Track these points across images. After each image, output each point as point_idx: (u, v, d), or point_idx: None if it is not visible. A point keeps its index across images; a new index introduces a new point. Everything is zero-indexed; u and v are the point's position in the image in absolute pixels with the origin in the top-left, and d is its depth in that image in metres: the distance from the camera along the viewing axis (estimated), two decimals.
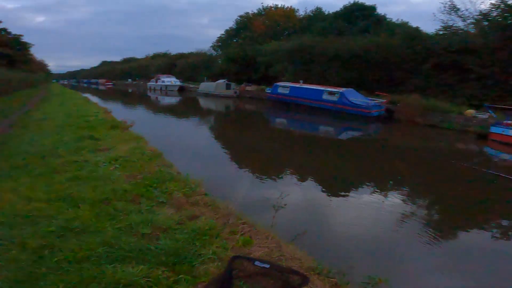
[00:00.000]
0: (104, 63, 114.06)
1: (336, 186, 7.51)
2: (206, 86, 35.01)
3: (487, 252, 4.85)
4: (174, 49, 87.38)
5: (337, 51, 24.65)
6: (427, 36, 23.22)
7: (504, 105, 14.80)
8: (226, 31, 50.63)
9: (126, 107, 26.11)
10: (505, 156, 12.01)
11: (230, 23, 51.51)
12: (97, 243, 2.80)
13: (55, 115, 11.64)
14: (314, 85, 22.27)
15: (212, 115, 22.40)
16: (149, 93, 42.87)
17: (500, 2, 19.51)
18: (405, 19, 33.90)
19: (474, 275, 4.24)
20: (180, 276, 2.43)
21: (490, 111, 15.20)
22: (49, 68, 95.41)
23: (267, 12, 44.24)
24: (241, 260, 2.52)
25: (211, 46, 54.76)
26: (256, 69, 35.53)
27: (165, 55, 70.72)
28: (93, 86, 77.44)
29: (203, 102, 29.79)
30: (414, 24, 33.34)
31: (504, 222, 6.19)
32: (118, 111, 17.46)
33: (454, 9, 23.27)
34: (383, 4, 64.34)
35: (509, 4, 19.07)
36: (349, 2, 32.15)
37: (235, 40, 45.44)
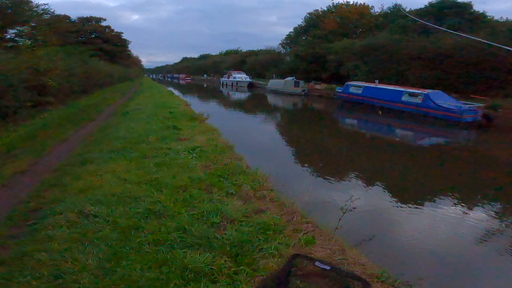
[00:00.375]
0: (184, 59, 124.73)
1: (411, 195, 6.85)
2: (274, 83, 35.37)
3: None
4: (244, 46, 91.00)
5: (422, 49, 22.45)
6: None
7: None
8: (295, 28, 50.07)
9: (202, 100, 28.13)
10: None
11: (299, 21, 50.81)
12: (173, 228, 3.05)
13: (145, 106, 13.21)
14: (392, 85, 20.53)
15: (279, 112, 22.57)
16: (221, 88, 45.39)
17: None
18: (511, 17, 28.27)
19: None
20: (241, 267, 2.50)
21: None
22: (142, 63, 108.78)
23: (338, 9, 42.27)
24: (302, 258, 2.51)
25: (280, 44, 54.99)
26: (326, 67, 34.39)
27: (236, 52, 73.89)
28: (175, 80, 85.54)
29: (271, 99, 30.22)
30: None
31: None
32: (195, 104, 18.94)
33: None
34: (482, 2, 54.64)
35: None
36: None
37: (304, 38, 44.65)
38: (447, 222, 5.60)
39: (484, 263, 4.40)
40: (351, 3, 41.81)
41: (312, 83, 32.18)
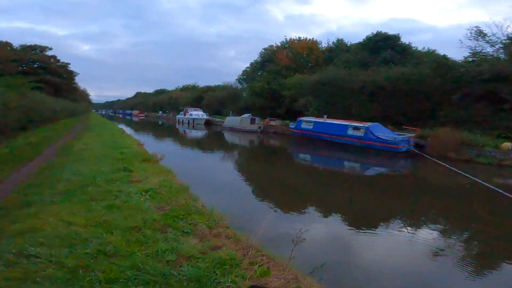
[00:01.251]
0: (138, 94, 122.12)
1: (361, 222, 7.45)
2: (231, 120, 36.32)
3: None
4: (202, 81, 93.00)
5: (362, 83, 24.64)
6: (456, 64, 22.76)
7: None
8: (251, 64, 52.89)
9: (157, 139, 27.61)
10: None
11: (256, 55, 53.83)
12: (126, 266, 3.09)
13: (94, 146, 12.68)
14: (339, 119, 22.46)
15: (236, 150, 23.06)
16: (177, 126, 45.10)
17: None
18: (433, 47, 33.14)
19: None
20: None
21: None
22: (90, 97, 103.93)
23: (290, 45, 45.10)
24: None
25: (237, 79, 57.29)
26: (281, 103, 36.30)
27: (193, 88, 74.92)
28: (128, 117, 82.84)
29: (228, 137, 30.81)
30: (442, 52, 32.55)
31: None
32: (150, 143, 18.58)
33: (481, 34, 22.83)
34: (409, 33, 64.92)
35: None
36: (372, 32, 32.37)
37: (259, 73, 46.99)
38: (396, 243, 6.25)
39: (434, 279, 4.92)
40: (302, 38, 45.19)
41: (267, 119, 33.67)
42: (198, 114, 45.13)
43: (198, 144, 25.25)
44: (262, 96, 38.64)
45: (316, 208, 8.39)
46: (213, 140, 29.20)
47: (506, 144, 16.03)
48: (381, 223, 7.40)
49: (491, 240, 6.67)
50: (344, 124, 20.94)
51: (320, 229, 6.97)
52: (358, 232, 6.85)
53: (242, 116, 34.75)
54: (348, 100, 26.10)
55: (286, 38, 47.69)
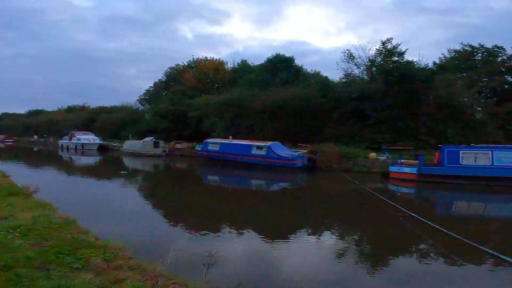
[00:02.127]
0: (4, 115, 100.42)
1: (272, 235, 7.89)
2: (131, 144, 33.58)
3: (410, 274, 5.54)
4: (95, 101, 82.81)
5: (263, 104, 26.58)
6: (334, 85, 27.13)
7: (396, 146, 18.67)
8: (155, 83, 50.58)
9: (32, 169, 23.07)
10: (403, 190, 15.03)
11: (160, 75, 51.83)
12: None
13: None
14: (243, 140, 23.56)
15: (139, 176, 21.32)
16: (60, 152, 38.87)
17: (382, 48, 24.42)
18: (319, 69, 38.55)
19: None
20: None
21: (386, 153, 18.51)
22: None
23: (197, 64, 45.01)
24: None
25: (138, 100, 53.74)
26: (187, 124, 35.69)
27: (83, 108, 66.26)
28: None
29: (128, 162, 28.25)
30: (326, 73, 37.71)
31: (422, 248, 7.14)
32: (20, 174, 15.41)
33: (351, 57, 28.09)
34: (302, 55, 75.01)
35: (388, 49, 24.07)
36: (272, 54, 35.45)
37: (164, 94, 45.23)
38: (306, 250, 6.81)
39: (343, 278, 5.43)
40: (209, 58, 45.62)
41: (173, 142, 32.53)
42: (88, 138, 40.00)
43: (90, 172, 22.25)
44: (166, 117, 37.26)
45: (228, 227, 8.45)
46: (110, 167, 26.27)
47: (372, 154, 19.92)
48: (290, 234, 7.99)
49: (376, 239, 7.95)
50: (248, 144, 22.09)
51: (234, 247, 7.04)
52: (271, 245, 7.20)
53: (144, 139, 32.60)
54: (251, 120, 27.76)
55: (193, 58, 47.51)
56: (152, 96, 50.06)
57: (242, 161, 21.71)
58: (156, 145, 31.31)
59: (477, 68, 26.53)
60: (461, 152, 15.43)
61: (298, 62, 36.12)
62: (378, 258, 6.55)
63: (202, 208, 11.00)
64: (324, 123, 25.12)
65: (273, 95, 26.91)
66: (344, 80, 28.09)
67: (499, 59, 26.33)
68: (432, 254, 6.82)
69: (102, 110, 56.28)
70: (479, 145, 16.40)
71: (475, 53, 27.54)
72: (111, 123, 47.56)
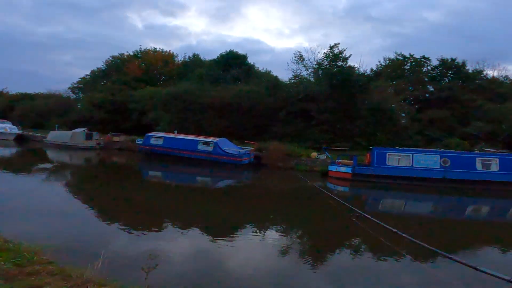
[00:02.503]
0: None
1: (218, 233, 7.74)
2: (57, 135, 29.99)
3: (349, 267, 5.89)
4: (16, 88, 72.22)
5: (212, 99, 26.34)
6: (283, 85, 28.11)
7: (336, 147, 20.17)
8: (93, 72, 46.47)
9: None
10: (340, 188, 16.14)
11: (100, 63, 47.68)
12: None
13: None
14: (189, 135, 22.89)
15: (67, 170, 19.15)
16: None
17: (330, 52, 26.06)
18: (271, 68, 39.46)
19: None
20: None
21: (326, 153, 19.82)
22: None
23: (144, 55, 43.00)
24: None
25: (69, 88, 48.78)
26: (128, 117, 33.44)
27: (0, 94, 57.45)
28: None
29: (53, 155, 25.19)
30: (277, 73, 38.82)
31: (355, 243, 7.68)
32: None
33: (301, 59, 29.49)
34: (255, 53, 75.78)
35: (335, 54, 25.75)
36: (226, 50, 35.46)
37: (102, 83, 41.78)
38: (252, 247, 6.81)
39: (289, 273, 5.47)
40: (158, 49, 43.65)
41: (109, 134, 30.05)
42: (4, 127, 34.74)
43: (5, 165, 19.30)
44: (104, 108, 34.27)
45: (171, 226, 8.06)
46: (30, 160, 23.14)
47: (314, 154, 21.08)
48: (235, 231, 7.91)
49: (316, 234, 8.34)
50: (194, 140, 21.57)
51: (177, 246, 6.72)
52: (216, 243, 7.02)
53: (74, 130, 29.45)
54: (199, 115, 27.18)
55: (140, 48, 44.77)
56: (88, 84, 45.60)
57: (187, 157, 21.03)
58: (88, 137, 28.53)
59: (405, 77, 29.72)
60: (387, 154, 17.03)
61: (250, 60, 36.75)
62: (321, 254, 6.84)
63: (140, 206, 10.28)
64: (271, 122, 25.70)
65: (223, 91, 26.75)
66: (292, 80, 29.17)
67: (424, 69, 29.88)
68: (373, 249, 7.37)
69: (24, 96, 49.47)
70: (402, 148, 18.37)
71: (405, 63, 30.83)
72: (34, 112, 42.14)
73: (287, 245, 7.21)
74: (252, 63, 36.51)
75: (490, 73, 30.83)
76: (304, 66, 29.63)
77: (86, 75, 47.97)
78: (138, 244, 6.48)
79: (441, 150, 17.98)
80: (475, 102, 26.15)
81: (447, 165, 16.06)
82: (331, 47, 26.16)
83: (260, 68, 38.34)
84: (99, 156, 25.24)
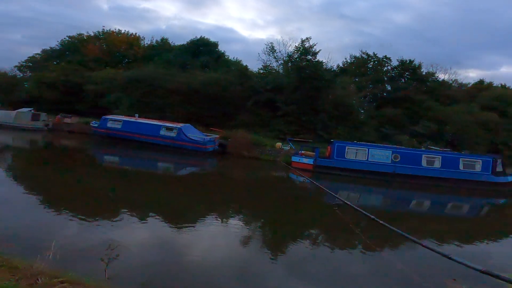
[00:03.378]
0: None
1: (179, 221, 7.58)
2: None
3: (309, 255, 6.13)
4: None
5: (179, 85, 25.74)
6: (252, 75, 28.41)
7: (300, 138, 20.69)
8: (44, 50, 42.74)
9: None
10: (301, 178, 16.45)
11: (55, 42, 43.92)
12: None
13: None
14: (151, 120, 22.01)
15: (8, 153, 17.41)
16: None
17: (301, 45, 26.67)
18: (242, 58, 39.64)
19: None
20: None
21: (290, 143, 20.33)
22: None
23: (107, 37, 40.69)
24: None
25: (16, 66, 44.41)
26: (83, 98, 31.32)
27: None
28: None
29: None
30: (248, 63, 39.20)
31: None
32: None
33: (272, 50, 30.00)
34: (226, 41, 74.37)
35: (305, 47, 26.37)
36: (196, 37, 34.92)
37: (55, 63, 38.63)
38: (214, 235, 6.77)
39: (250, 262, 5.53)
40: (123, 31, 41.43)
41: (60, 116, 27.84)
42: None
43: None
44: (55, 88, 31.71)
45: (130, 215, 7.70)
46: None
47: (278, 144, 21.49)
48: (197, 219, 7.83)
49: (280, 224, 8.54)
50: (157, 124, 20.80)
51: (138, 236, 6.46)
52: (179, 231, 6.92)
53: (18, 110, 26.84)
54: (163, 100, 26.38)
55: (103, 29, 41.90)
56: (38, 63, 41.79)
57: (148, 142, 20.20)
58: (35, 117, 26.19)
59: (367, 75, 31.22)
60: (347, 147, 17.86)
61: (222, 48, 36.34)
62: (280, 242, 7.03)
63: (95, 193, 9.68)
64: (238, 110, 25.69)
65: (190, 77, 26.26)
66: (262, 71, 29.46)
67: (385, 69, 31.59)
68: (336, 238, 7.72)
69: None
70: (360, 142, 19.37)
71: (368, 61, 32.36)
72: None
73: (250, 234, 7.28)
74: (222, 51, 36.34)
75: (442, 76, 33.41)
76: (275, 58, 30.12)
77: (36, 53, 43.95)
78: (94, 234, 6.10)
79: (393, 146, 18.99)
80: (425, 102, 28.29)
81: (397, 160, 17.17)
82: (302, 41, 26.71)
83: (231, 57, 38.11)
84: (47, 138, 23.34)
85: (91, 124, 23.43)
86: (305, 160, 17.90)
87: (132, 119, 21.66)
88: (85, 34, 41.74)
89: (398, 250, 7.04)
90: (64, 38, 42.03)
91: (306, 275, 5.49)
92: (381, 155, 17.48)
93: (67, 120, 27.39)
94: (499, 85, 34.48)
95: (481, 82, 35.54)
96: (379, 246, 7.01)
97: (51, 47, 42.38)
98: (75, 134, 25.22)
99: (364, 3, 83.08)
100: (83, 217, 7.03)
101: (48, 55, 41.81)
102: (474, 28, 66.20)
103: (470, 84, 35.19)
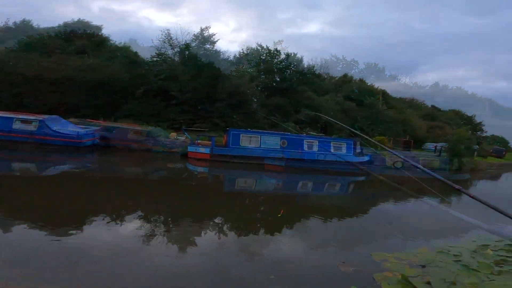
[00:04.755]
0: None
1: (55, 224, 6.89)
2: None
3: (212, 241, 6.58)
4: None
5: (42, 70, 22.32)
6: (143, 62, 26.69)
7: (195, 128, 20.69)
8: None
9: None
10: (199, 169, 16.91)
11: None
12: None
13: None
14: (1, 111, 18.15)
15: None
16: None
17: (200, 34, 26.73)
18: (130, 44, 36.29)
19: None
20: None
21: (186, 133, 20.26)
22: None
23: None
24: None
25: None
26: None
27: None
28: None
29: None
30: (137, 49, 35.70)
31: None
32: None
33: (168, 37, 28.76)
34: (114, 25, 64.76)
35: (204, 36, 26.60)
36: (73, 19, 31.69)
37: None
38: (105, 236, 6.25)
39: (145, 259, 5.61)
40: None
41: None
42: None
43: None
44: None
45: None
46: None
47: (173, 134, 21.14)
48: (85, 223, 7.33)
49: (177, 218, 8.72)
50: (7, 117, 17.19)
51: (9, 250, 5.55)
52: (60, 239, 6.21)
53: None
54: (19, 89, 22.39)
55: None
56: None
57: None
58: None
59: (260, 65, 33.46)
60: (241, 135, 18.98)
61: (106, 32, 32.19)
62: (185, 238, 7.28)
63: None
64: (125, 99, 23.79)
65: (60, 63, 22.96)
66: (155, 59, 27.82)
67: (275, 61, 34.43)
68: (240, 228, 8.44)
69: None
70: (253, 130, 20.90)
71: (262, 53, 34.63)
72: None
73: (148, 231, 7.19)
74: (106, 35, 32.81)
75: (318, 70, 38.88)
76: (171, 45, 28.81)
77: None
78: None
79: (281, 132, 20.90)
80: (305, 93, 32.52)
81: (285, 146, 19.35)
82: (201, 30, 26.49)
83: (117, 42, 34.47)
84: None
85: None
86: (201, 150, 18.28)
87: None
88: None
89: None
90: None
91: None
92: (271, 142, 19.23)
93: None
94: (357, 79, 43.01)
95: (345, 76, 43.34)
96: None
97: None
98: None
99: None
100: None
101: None
102: None
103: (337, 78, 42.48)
